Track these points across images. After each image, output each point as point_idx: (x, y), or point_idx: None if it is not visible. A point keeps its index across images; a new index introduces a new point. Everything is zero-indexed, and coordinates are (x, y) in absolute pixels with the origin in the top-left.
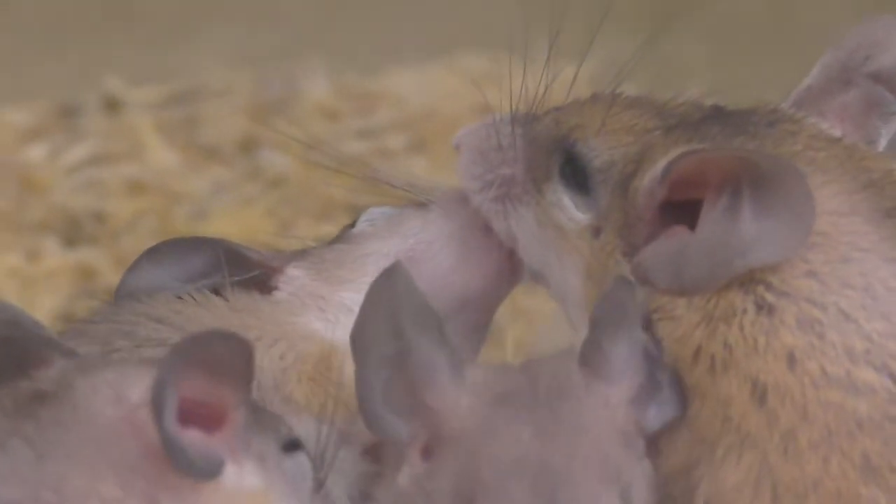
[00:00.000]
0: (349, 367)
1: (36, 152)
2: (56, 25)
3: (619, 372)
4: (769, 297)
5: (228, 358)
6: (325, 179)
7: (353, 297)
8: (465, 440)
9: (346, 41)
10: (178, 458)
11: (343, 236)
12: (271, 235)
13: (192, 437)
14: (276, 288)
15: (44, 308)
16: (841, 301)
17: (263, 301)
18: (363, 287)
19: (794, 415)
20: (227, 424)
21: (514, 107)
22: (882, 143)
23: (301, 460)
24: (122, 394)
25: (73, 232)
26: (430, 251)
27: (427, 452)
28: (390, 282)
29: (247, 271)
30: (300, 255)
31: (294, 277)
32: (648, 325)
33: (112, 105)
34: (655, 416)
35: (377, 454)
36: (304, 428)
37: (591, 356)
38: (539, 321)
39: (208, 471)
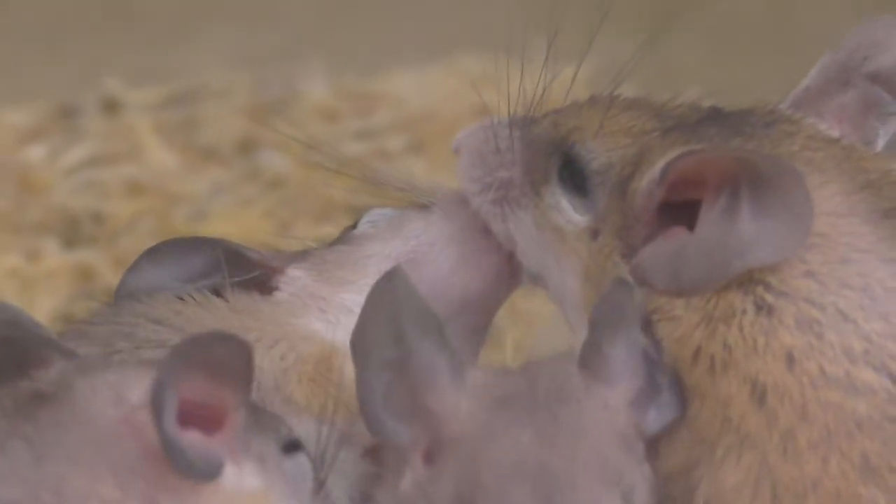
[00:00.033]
0: (350, 369)
1: (35, 153)
2: (56, 26)
3: (619, 374)
4: (768, 298)
5: (228, 359)
6: (325, 180)
7: (353, 299)
8: (465, 444)
9: (345, 42)
10: (177, 459)
11: (344, 237)
12: (270, 236)
13: (192, 439)
14: (276, 288)
15: (43, 309)
16: (839, 301)
17: (264, 302)
18: (364, 288)
19: (793, 415)
20: (227, 425)
21: (512, 109)
22: (880, 144)
23: (301, 461)
24: (121, 395)
25: (72, 232)
26: (432, 253)
27: (428, 456)
28: (391, 285)
29: (247, 271)
30: (301, 255)
31: (295, 278)
32: (647, 326)
33: (111, 106)
34: (655, 418)
35: (377, 455)
36: (304, 429)
37: (590, 359)
38: (538, 323)
39: (208, 472)
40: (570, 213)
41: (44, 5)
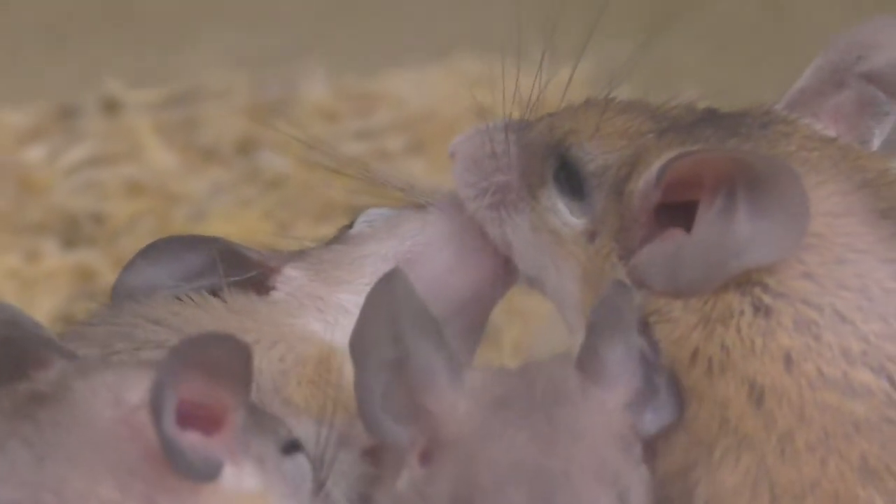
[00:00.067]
0: (348, 369)
1: (35, 153)
2: (56, 26)
3: (616, 376)
4: (766, 299)
5: (227, 360)
6: (324, 180)
7: (350, 299)
8: (462, 444)
9: (345, 42)
10: (176, 460)
11: (341, 237)
12: (270, 236)
13: (191, 439)
14: (273, 288)
15: (43, 309)
16: (837, 302)
17: (261, 302)
18: (361, 288)
19: (791, 416)
20: (226, 426)
21: (508, 112)
22: (875, 143)
23: (300, 462)
24: (120, 396)
25: (71, 233)
26: (428, 253)
27: (426, 457)
28: (389, 286)
29: (244, 270)
30: (298, 255)
31: (292, 278)
32: (645, 327)
33: (111, 106)
34: (652, 420)
35: (376, 456)
36: (303, 430)
37: (587, 361)
38: (536, 322)
39: (207, 473)
40: (566, 215)
41: (44, 5)
